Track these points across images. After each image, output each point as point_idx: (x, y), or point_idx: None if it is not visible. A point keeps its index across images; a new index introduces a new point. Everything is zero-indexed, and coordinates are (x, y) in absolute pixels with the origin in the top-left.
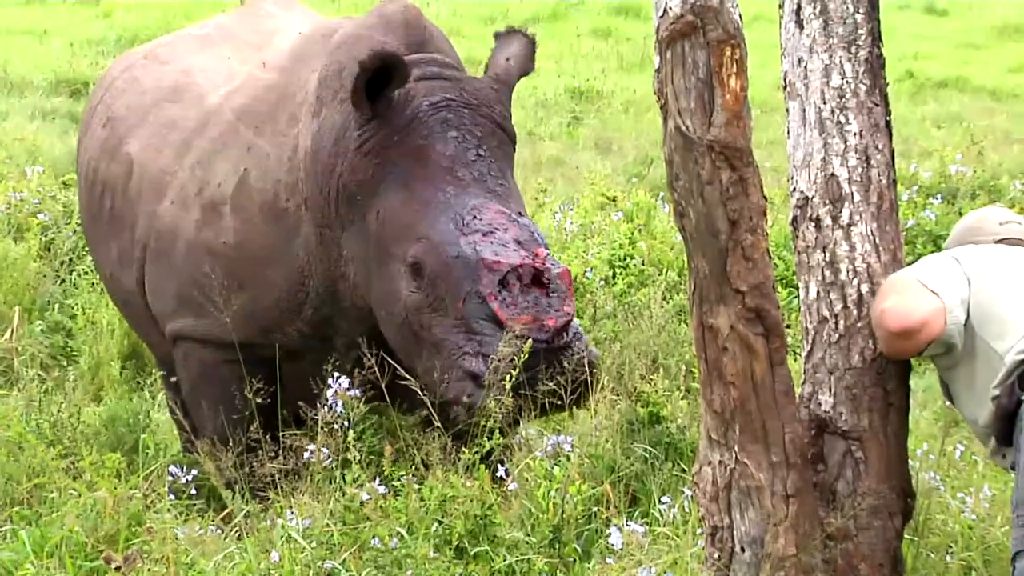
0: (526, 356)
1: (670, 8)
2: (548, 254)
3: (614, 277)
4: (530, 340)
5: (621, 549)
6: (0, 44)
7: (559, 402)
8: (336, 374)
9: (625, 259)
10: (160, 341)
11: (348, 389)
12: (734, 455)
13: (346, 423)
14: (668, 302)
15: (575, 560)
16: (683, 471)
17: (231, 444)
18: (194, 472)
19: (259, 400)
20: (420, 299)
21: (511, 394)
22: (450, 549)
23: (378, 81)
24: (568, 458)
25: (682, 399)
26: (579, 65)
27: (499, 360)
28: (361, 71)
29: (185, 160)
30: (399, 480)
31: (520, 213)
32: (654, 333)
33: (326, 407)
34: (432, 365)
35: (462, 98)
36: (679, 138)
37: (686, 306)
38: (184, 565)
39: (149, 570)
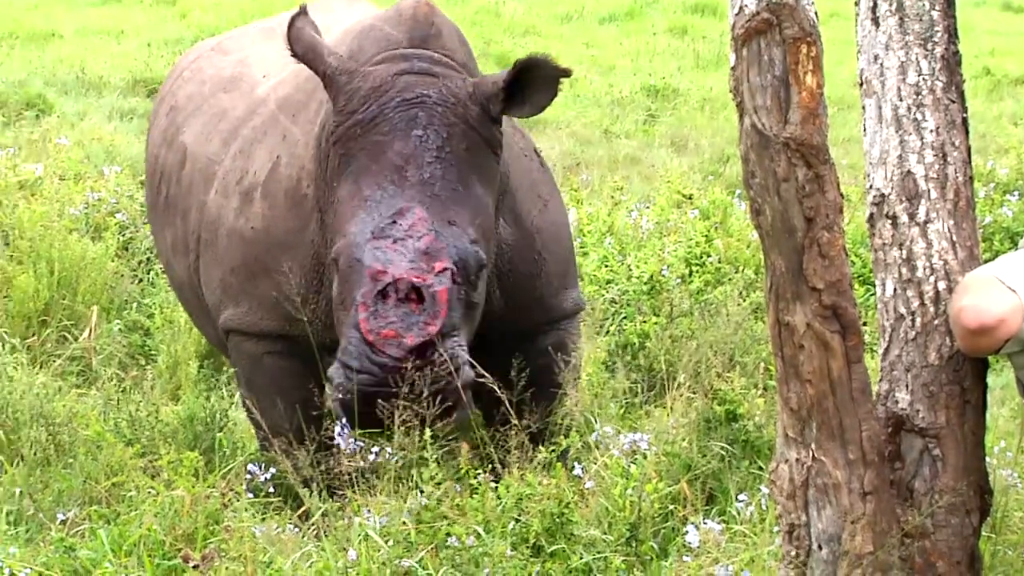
0: (380, 369)
1: (746, 6)
2: (446, 268)
3: (690, 275)
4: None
5: (698, 547)
6: (77, 44)
7: (420, 418)
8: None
9: (701, 257)
10: (213, 333)
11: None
12: (811, 453)
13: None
14: (745, 300)
15: (652, 558)
16: (760, 469)
17: (284, 437)
18: (272, 470)
19: (305, 395)
20: (335, 295)
21: (368, 407)
22: (527, 547)
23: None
24: (645, 456)
25: (759, 397)
26: (655, 63)
27: (350, 368)
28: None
29: (230, 149)
30: (476, 478)
31: (452, 222)
32: (731, 331)
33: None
34: None
35: (440, 96)
36: (755, 136)
37: (763, 304)
38: (262, 564)
39: (227, 568)
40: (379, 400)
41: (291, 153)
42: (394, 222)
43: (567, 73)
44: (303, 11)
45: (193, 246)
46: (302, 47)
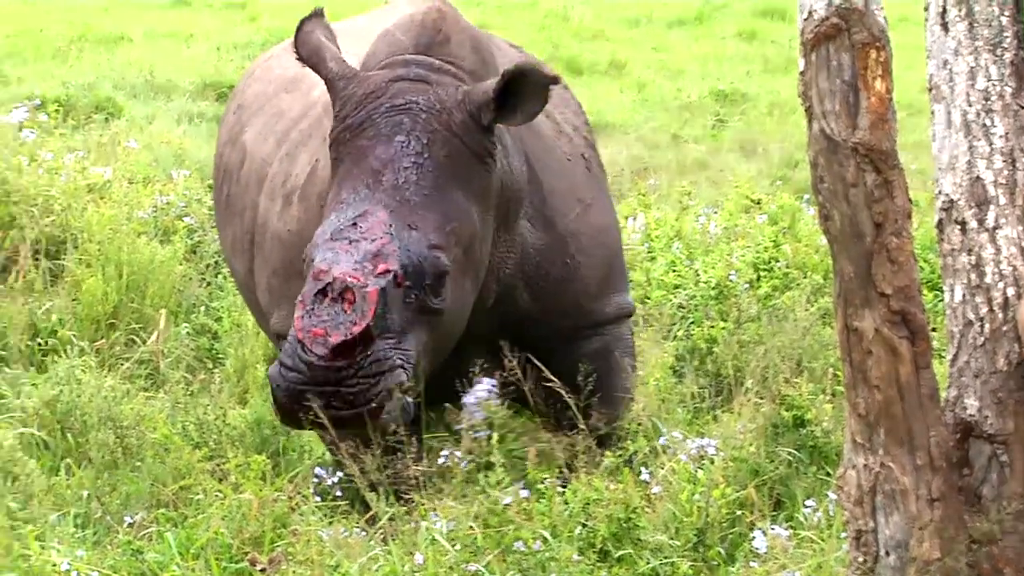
0: (307, 367)
1: (815, 11)
2: (388, 271)
3: (758, 280)
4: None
5: (765, 553)
6: (146, 48)
7: (341, 419)
8: (480, 377)
9: (769, 262)
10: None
11: (488, 397)
12: (879, 459)
13: (490, 426)
14: (813, 305)
15: (719, 563)
16: (827, 475)
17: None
18: (339, 474)
19: None
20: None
21: (295, 404)
22: (594, 552)
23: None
24: (712, 461)
25: (827, 402)
26: (724, 67)
27: (283, 366)
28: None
29: (280, 151)
30: (542, 483)
31: (414, 226)
32: (799, 336)
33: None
34: None
35: (427, 103)
36: (824, 141)
37: (831, 309)
38: (329, 567)
39: (294, 572)
40: (306, 398)
41: (328, 156)
42: (354, 224)
43: (556, 80)
44: (317, 14)
45: (248, 247)
46: (307, 51)
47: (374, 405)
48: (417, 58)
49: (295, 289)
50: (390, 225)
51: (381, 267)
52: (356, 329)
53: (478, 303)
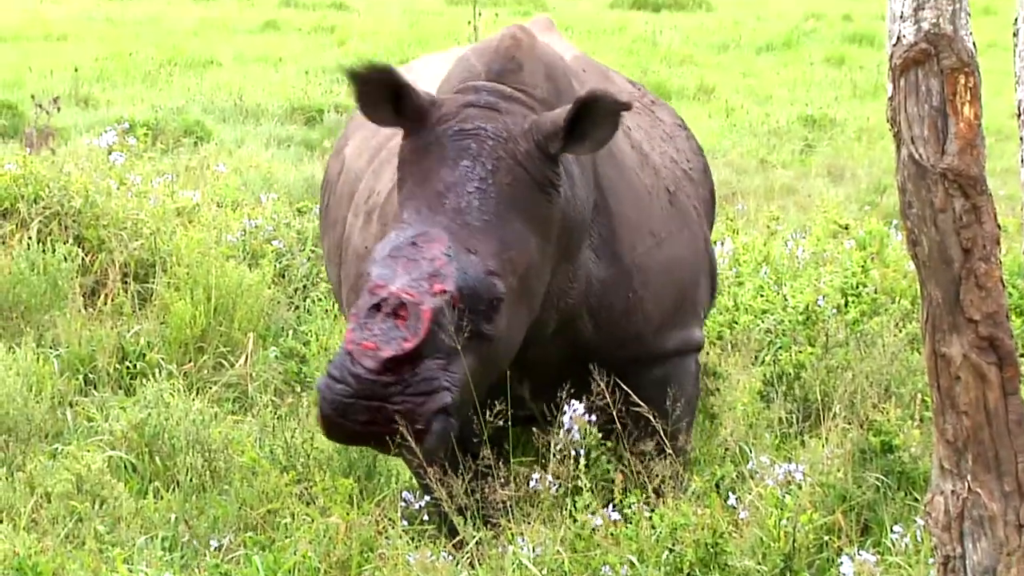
0: (355, 380)
1: (904, 36)
2: (444, 291)
3: (846, 305)
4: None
5: None
6: (236, 72)
7: (384, 437)
8: (572, 401)
9: (858, 287)
10: None
11: (584, 414)
12: (967, 484)
13: (578, 450)
14: (901, 331)
15: None
16: (915, 500)
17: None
18: (427, 498)
19: None
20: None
21: (340, 417)
22: None
23: (389, 92)
24: (799, 487)
25: (915, 428)
26: (812, 92)
27: (331, 378)
28: (350, 80)
29: (370, 167)
30: (630, 507)
31: (473, 251)
32: (887, 361)
33: (561, 432)
34: None
35: (495, 129)
36: (912, 166)
37: (919, 334)
38: None
39: None
40: (351, 413)
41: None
42: (413, 243)
43: (627, 107)
44: (380, 70)
45: (337, 260)
46: (371, 107)
47: (419, 426)
48: (488, 85)
49: None
50: (449, 247)
51: (437, 287)
52: (408, 345)
53: (538, 330)
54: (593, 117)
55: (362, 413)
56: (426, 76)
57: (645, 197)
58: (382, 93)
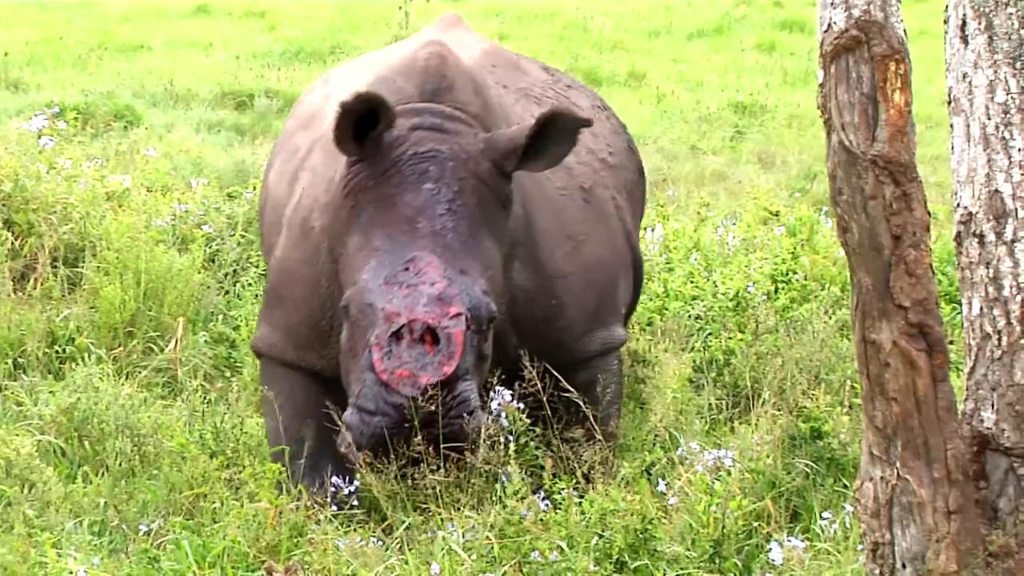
0: (395, 410)
1: (834, 23)
2: (460, 313)
3: (776, 292)
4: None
5: (782, 564)
6: (166, 56)
7: (432, 458)
8: (499, 387)
9: (787, 274)
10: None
11: (511, 401)
12: (896, 471)
13: (508, 436)
14: (831, 317)
15: (735, 575)
16: (844, 487)
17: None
18: (356, 483)
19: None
20: (345, 343)
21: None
22: (610, 563)
23: (364, 123)
24: (729, 472)
25: (844, 414)
26: (742, 79)
27: (365, 411)
28: (342, 112)
29: (292, 188)
30: (559, 493)
31: (464, 271)
32: (816, 348)
33: (489, 418)
34: None
35: (451, 151)
36: (843, 153)
37: (849, 321)
38: None
39: None
40: (392, 441)
41: (311, 183)
42: (406, 268)
43: (588, 123)
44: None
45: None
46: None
47: (468, 444)
48: (428, 107)
49: (276, 315)
50: (445, 269)
51: (453, 310)
52: (447, 369)
53: None
54: (552, 135)
55: (405, 441)
56: (344, 89)
57: (558, 200)
58: (355, 120)
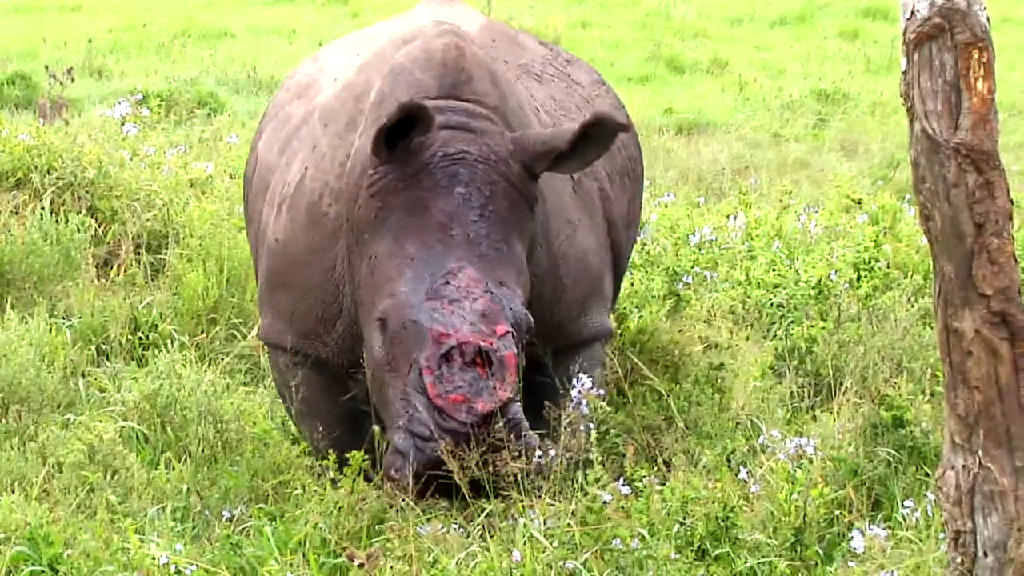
0: (450, 435)
1: (917, 11)
2: (507, 332)
3: (859, 280)
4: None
5: (863, 553)
6: (249, 43)
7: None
8: (581, 374)
9: (870, 262)
10: None
11: (592, 388)
12: (978, 459)
13: (589, 423)
14: (913, 305)
15: (816, 563)
16: (926, 475)
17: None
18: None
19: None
20: (382, 356)
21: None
22: (691, 550)
23: (400, 128)
24: (810, 461)
25: (926, 403)
26: (825, 67)
27: (419, 437)
28: (387, 124)
29: (282, 159)
30: (641, 481)
31: (502, 283)
32: (899, 336)
33: (570, 406)
34: (388, 426)
35: (481, 152)
36: (925, 141)
37: (931, 310)
38: (426, 563)
39: (391, 568)
40: (447, 467)
41: (317, 166)
42: (447, 282)
43: (626, 128)
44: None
45: (255, 253)
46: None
47: (526, 464)
48: (450, 104)
49: (281, 302)
50: (487, 283)
51: (500, 329)
52: (503, 395)
53: None
54: (591, 139)
55: (460, 464)
56: (335, 67)
57: (558, 184)
58: (393, 125)
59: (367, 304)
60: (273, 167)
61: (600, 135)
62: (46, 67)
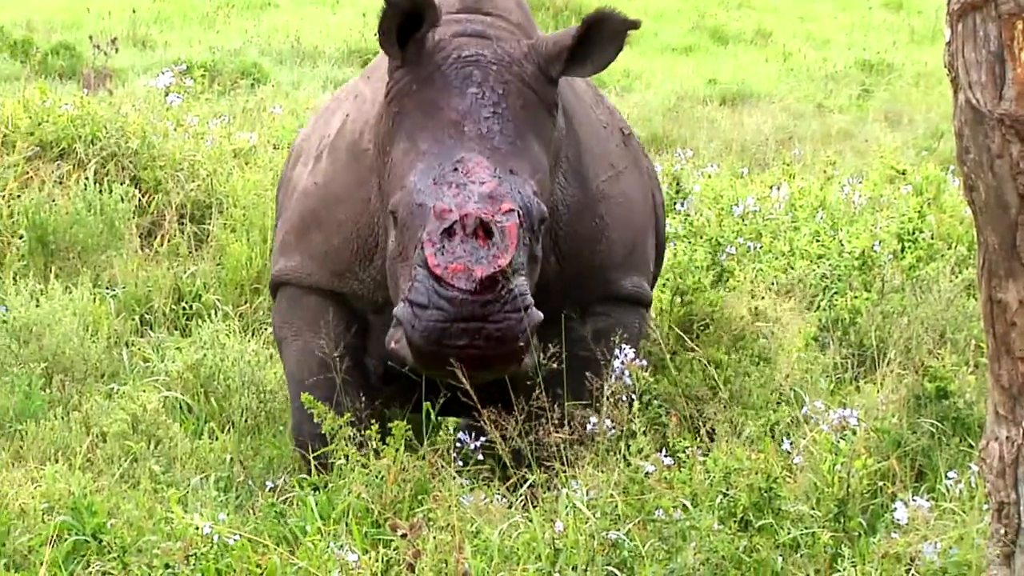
0: (449, 304)
1: None
2: (512, 209)
3: (903, 251)
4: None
5: (906, 524)
6: (293, 14)
7: (486, 358)
8: (624, 345)
9: (914, 233)
10: None
11: (635, 359)
12: (1021, 431)
13: (631, 394)
14: (957, 276)
15: (860, 534)
16: (970, 446)
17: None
18: (482, 439)
19: (340, 350)
20: (394, 247)
21: (435, 345)
22: (734, 521)
23: (408, 27)
24: (854, 432)
25: (970, 374)
26: (869, 37)
27: (417, 306)
28: (386, 12)
29: (318, 123)
30: (684, 451)
31: (513, 172)
32: (942, 307)
33: (612, 377)
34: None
35: (495, 55)
36: (969, 111)
37: (975, 280)
38: (469, 533)
39: (434, 538)
40: (447, 337)
41: (358, 109)
42: (455, 169)
43: (636, 25)
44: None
45: (278, 218)
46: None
47: (520, 344)
48: (470, 16)
49: (313, 241)
50: (495, 168)
51: (505, 206)
52: (501, 261)
53: None
54: (598, 38)
55: (459, 337)
56: None
57: (602, 131)
58: (400, 22)
59: (385, 208)
60: (308, 136)
61: (608, 34)
62: (90, 37)
